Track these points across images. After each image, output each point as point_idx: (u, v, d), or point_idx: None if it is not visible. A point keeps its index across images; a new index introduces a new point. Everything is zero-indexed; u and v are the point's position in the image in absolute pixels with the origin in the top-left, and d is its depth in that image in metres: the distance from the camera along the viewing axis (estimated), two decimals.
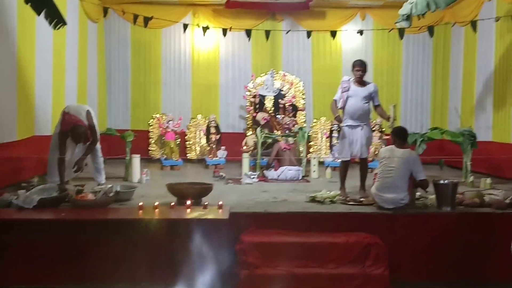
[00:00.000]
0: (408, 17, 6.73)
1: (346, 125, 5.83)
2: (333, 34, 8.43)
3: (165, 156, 8.83)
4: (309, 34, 8.46)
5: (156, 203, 4.62)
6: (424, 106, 10.39)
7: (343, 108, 5.84)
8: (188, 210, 4.56)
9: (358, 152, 5.82)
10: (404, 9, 6.69)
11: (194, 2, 9.93)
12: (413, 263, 4.76)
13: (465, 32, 9.04)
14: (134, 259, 4.51)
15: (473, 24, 7.51)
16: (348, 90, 5.77)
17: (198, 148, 9.75)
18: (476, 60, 8.64)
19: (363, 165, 5.98)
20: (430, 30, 7.69)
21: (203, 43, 10.14)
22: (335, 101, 5.90)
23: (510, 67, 7.45)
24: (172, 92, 10.26)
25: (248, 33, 8.23)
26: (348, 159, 5.91)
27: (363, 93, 5.79)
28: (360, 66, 5.83)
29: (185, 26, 8.45)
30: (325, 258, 4.47)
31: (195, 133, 9.77)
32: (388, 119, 5.85)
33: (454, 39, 9.77)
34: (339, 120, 5.86)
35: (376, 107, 5.95)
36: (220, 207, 4.62)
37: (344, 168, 5.97)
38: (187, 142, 9.76)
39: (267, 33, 8.36)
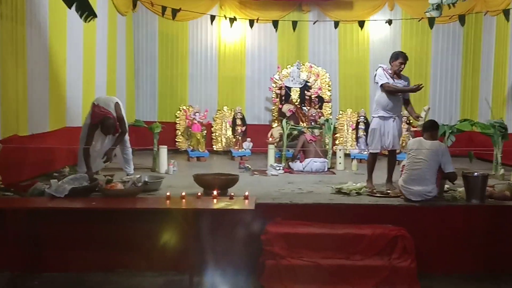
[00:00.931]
0: (439, 7, 6.60)
1: (378, 116, 5.71)
2: (361, 24, 8.32)
3: (191, 148, 8.91)
4: (336, 24, 8.38)
5: (183, 193, 4.67)
6: (454, 97, 10.16)
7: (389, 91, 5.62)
8: (215, 201, 4.59)
9: (390, 144, 5.69)
10: None
11: None
12: (441, 256, 4.70)
13: (497, 21, 8.79)
14: (161, 248, 4.59)
15: (506, 12, 7.30)
16: (388, 78, 5.64)
17: (224, 140, 9.80)
18: (508, 50, 8.39)
19: (392, 157, 5.89)
20: (461, 19, 7.53)
21: (229, 35, 10.15)
22: (388, 83, 5.61)
23: None
24: (199, 84, 10.32)
25: (275, 24, 8.20)
26: (378, 151, 5.83)
27: (399, 84, 5.65)
28: (405, 60, 5.64)
29: (212, 18, 8.48)
30: (351, 250, 4.46)
31: (221, 124, 9.82)
32: (417, 118, 5.71)
33: (486, 28, 9.50)
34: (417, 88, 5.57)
35: (407, 100, 5.84)
36: (246, 197, 4.63)
37: (372, 159, 5.87)
38: (213, 134, 9.82)
39: (294, 24, 8.31)
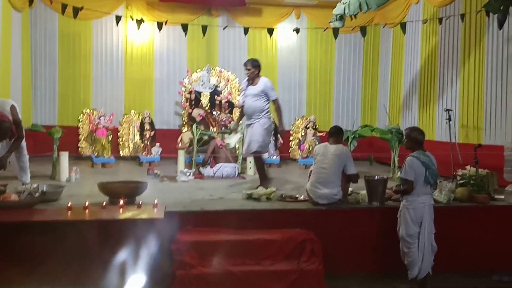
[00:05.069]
0: (341, 17, 6.94)
1: (246, 124, 6.26)
2: (270, 32, 8.50)
3: (96, 153, 8.53)
4: (246, 31, 8.48)
5: (87, 203, 4.43)
6: (355, 104, 10.78)
7: (242, 107, 6.20)
8: (121, 210, 4.42)
9: (246, 148, 6.15)
10: (338, 9, 6.89)
11: None
12: (346, 257, 4.90)
13: (394, 33, 9.47)
14: (63, 263, 4.31)
15: (403, 25, 7.85)
16: (245, 90, 6.13)
17: (131, 145, 9.50)
18: (404, 60, 9.08)
19: (255, 159, 6.32)
20: (363, 30, 7.95)
21: (137, 37, 9.88)
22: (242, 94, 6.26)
23: (434, 67, 7.88)
24: (104, 87, 9.93)
25: (185, 28, 8.10)
26: (252, 154, 6.26)
27: (253, 91, 6.05)
28: (245, 65, 6.05)
29: (118, 19, 8.17)
30: (261, 255, 4.51)
31: (128, 129, 9.51)
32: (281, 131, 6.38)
33: (383, 39, 10.21)
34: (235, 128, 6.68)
35: (273, 102, 6.15)
36: (155, 206, 4.53)
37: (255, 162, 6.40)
38: (120, 139, 9.49)
39: (204, 28, 8.27)
